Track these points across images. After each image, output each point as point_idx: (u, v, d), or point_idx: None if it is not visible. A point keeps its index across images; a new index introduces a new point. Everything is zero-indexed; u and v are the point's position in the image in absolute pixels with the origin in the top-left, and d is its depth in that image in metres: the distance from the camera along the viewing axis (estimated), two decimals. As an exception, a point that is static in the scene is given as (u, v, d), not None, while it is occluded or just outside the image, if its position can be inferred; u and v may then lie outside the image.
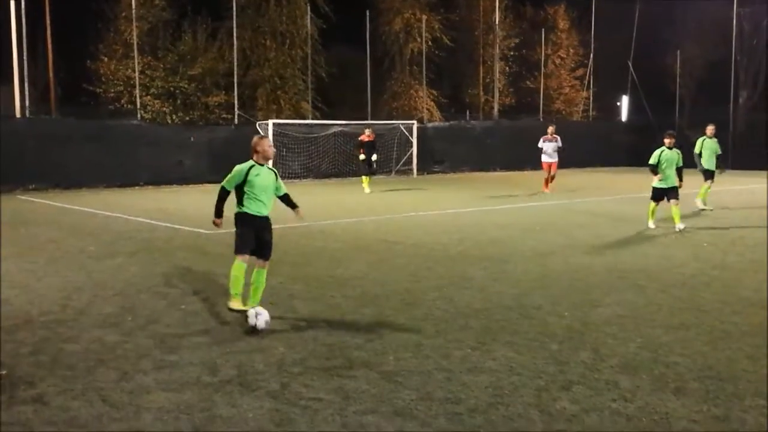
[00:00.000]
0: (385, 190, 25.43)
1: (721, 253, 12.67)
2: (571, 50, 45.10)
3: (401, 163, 34.64)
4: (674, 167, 15.20)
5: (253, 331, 7.56)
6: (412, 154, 34.80)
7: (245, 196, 8.21)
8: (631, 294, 9.44)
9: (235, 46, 32.98)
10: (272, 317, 7.94)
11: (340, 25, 36.75)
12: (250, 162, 8.31)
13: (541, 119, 40.98)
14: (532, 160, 37.16)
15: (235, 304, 8.08)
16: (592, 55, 43.24)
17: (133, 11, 30.82)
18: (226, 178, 8.33)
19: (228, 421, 5.39)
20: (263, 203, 8.28)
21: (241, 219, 8.25)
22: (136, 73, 30.88)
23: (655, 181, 15.30)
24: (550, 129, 24.89)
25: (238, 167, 8.31)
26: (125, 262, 12.01)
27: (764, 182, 26.09)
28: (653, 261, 11.89)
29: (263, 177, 8.27)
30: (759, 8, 41.14)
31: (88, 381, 6.23)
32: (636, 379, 6.20)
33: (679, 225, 14.98)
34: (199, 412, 5.55)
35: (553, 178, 24.54)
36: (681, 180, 15.43)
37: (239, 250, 8.20)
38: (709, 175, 19.21)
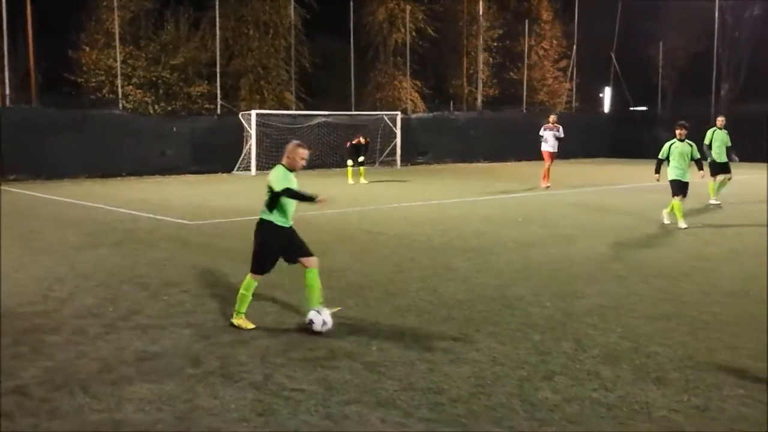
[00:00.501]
0: (369, 181, 25.42)
1: (701, 243, 12.77)
2: (555, 41, 45.15)
3: (385, 154, 34.60)
4: (687, 160, 14.53)
5: (314, 332, 7.21)
6: (395, 145, 34.77)
7: (278, 204, 7.44)
8: (613, 285, 9.50)
9: (217, 36, 32.79)
10: (255, 309, 7.94)
11: (323, 15, 36.57)
12: (284, 166, 7.55)
13: (524, 110, 41.10)
14: (516, 152, 37.48)
15: (240, 321, 7.52)
16: (575, 47, 43.33)
17: (115, 0, 30.57)
18: (278, 184, 7.35)
19: (210, 411, 5.39)
20: (291, 213, 7.60)
21: (267, 231, 7.49)
22: (118, 63, 30.65)
23: (671, 175, 14.53)
24: (552, 117, 23.94)
25: (280, 171, 7.49)
26: (107, 252, 11.96)
27: (747, 175, 26.28)
28: (634, 251, 11.97)
29: (294, 184, 7.49)
30: (741, 1, 41.39)
31: (69, 372, 6.21)
32: (617, 369, 6.25)
33: (667, 220, 14.71)
34: (181, 403, 5.55)
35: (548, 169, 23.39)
36: (701, 169, 14.97)
37: (257, 270, 7.55)
38: (719, 168, 18.37)
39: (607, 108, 46.32)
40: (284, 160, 7.62)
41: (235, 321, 7.58)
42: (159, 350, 6.81)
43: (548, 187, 22.90)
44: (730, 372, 6.18)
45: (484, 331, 7.39)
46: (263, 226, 7.55)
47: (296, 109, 34.59)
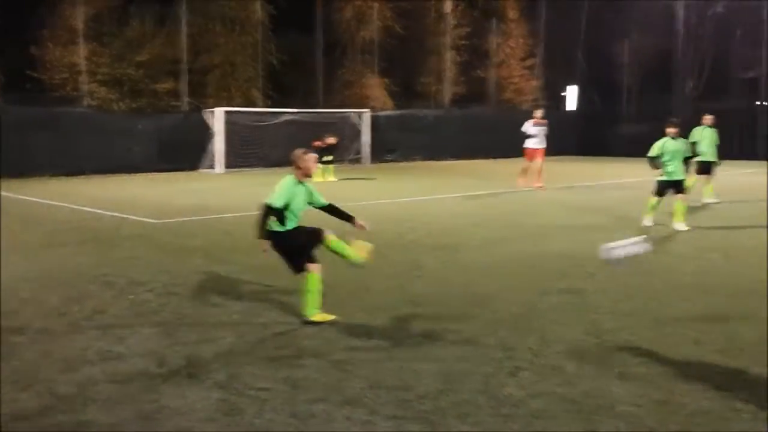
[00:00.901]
0: (338, 179, 25.40)
1: (670, 241, 12.93)
2: (521, 40, 45.31)
3: (353, 151, 34.59)
4: (681, 159, 13.94)
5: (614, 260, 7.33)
6: (364, 142, 34.78)
7: (286, 215, 7.52)
8: (579, 280, 9.60)
9: (183, 32, 32.53)
10: (221, 306, 7.89)
11: (290, 12, 36.41)
12: (293, 178, 7.59)
13: (492, 108, 41.27)
14: (484, 149, 37.68)
15: (319, 316, 7.60)
16: (541, 45, 43.62)
17: (79, -4, 30.24)
18: (275, 196, 7.38)
19: (176, 411, 5.35)
20: (297, 220, 7.70)
21: (289, 232, 7.60)
22: (82, 59, 30.29)
23: (658, 174, 14.05)
24: (539, 113, 22.68)
25: (286, 184, 7.51)
26: (72, 251, 11.83)
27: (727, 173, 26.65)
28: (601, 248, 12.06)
29: (301, 195, 7.66)
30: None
31: (34, 372, 6.14)
32: (581, 365, 6.31)
33: (679, 225, 13.77)
34: (146, 403, 5.51)
35: (540, 169, 22.30)
36: (687, 170, 14.37)
37: (303, 263, 7.62)
38: (702, 167, 17.96)
39: (573, 106, 46.71)
40: (295, 171, 7.65)
41: (317, 318, 7.54)
42: (124, 350, 6.76)
43: (542, 186, 21.98)
44: (694, 367, 6.27)
45: (451, 328, 7.43)
46: (284, 234, 7.55)
47: (263, 107, 34.43)
